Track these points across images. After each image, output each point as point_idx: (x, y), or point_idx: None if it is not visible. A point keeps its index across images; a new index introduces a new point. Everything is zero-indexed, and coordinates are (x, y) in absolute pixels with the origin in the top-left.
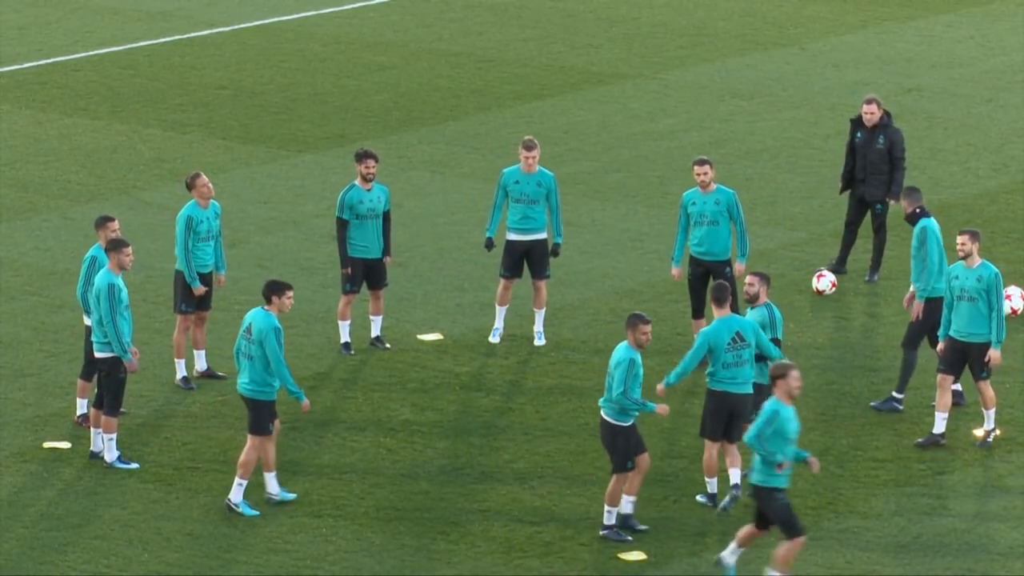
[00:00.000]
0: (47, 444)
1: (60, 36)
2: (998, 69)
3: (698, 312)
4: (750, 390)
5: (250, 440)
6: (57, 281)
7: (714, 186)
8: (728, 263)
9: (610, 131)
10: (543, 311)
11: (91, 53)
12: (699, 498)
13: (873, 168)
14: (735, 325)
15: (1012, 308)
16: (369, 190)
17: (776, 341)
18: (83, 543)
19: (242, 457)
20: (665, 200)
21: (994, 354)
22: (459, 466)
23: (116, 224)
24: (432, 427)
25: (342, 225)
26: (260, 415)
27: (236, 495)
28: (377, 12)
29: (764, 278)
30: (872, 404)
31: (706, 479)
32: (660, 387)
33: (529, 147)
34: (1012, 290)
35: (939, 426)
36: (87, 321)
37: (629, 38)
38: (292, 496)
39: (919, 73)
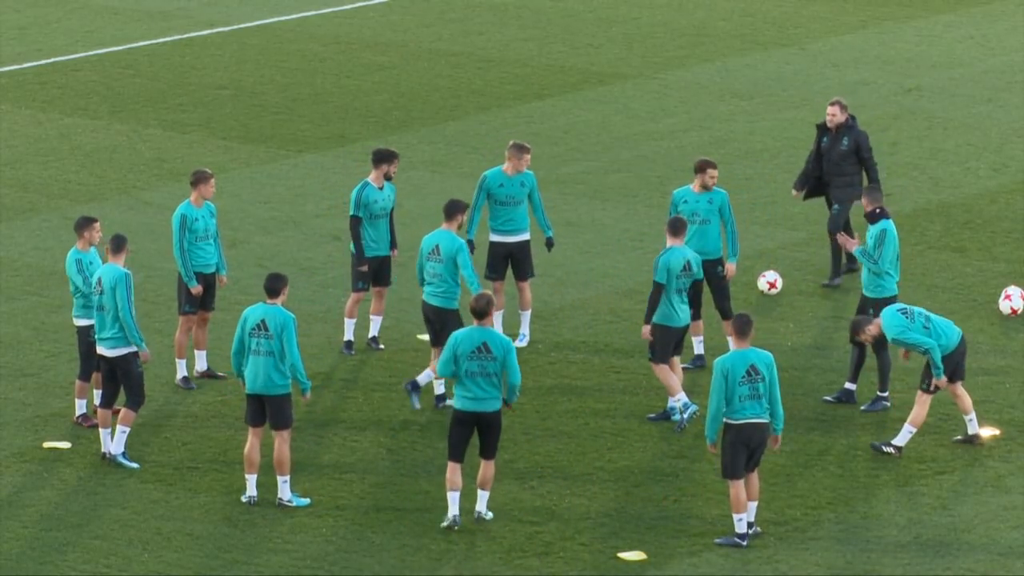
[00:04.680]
0: (47, 444)
1: (60, 36)
2: (998, 69)
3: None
4: (767, 419)
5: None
6: (57, 281)
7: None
8: (719, 261)
9: (610, 131)
10: (528, 312)
11: (91, 53)
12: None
13: (837, 170)
14: (752, 357)
15: (1012, 308)
16: (381, 188)
17: (657, 284)
18: (83, 543)
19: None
20: (665, 200)
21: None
22: None
23: (99, 225)
24: (432, 427)
25: (356, 223)
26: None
27: (284, 492)
28: (377, 12)
29: (668, 223)
30: (862, 408)
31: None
32: (711, 447)
33: (527, 151)
34: (1012, 290)
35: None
36: (78, 323)
37: (629, 38)
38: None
39: (919, 73)
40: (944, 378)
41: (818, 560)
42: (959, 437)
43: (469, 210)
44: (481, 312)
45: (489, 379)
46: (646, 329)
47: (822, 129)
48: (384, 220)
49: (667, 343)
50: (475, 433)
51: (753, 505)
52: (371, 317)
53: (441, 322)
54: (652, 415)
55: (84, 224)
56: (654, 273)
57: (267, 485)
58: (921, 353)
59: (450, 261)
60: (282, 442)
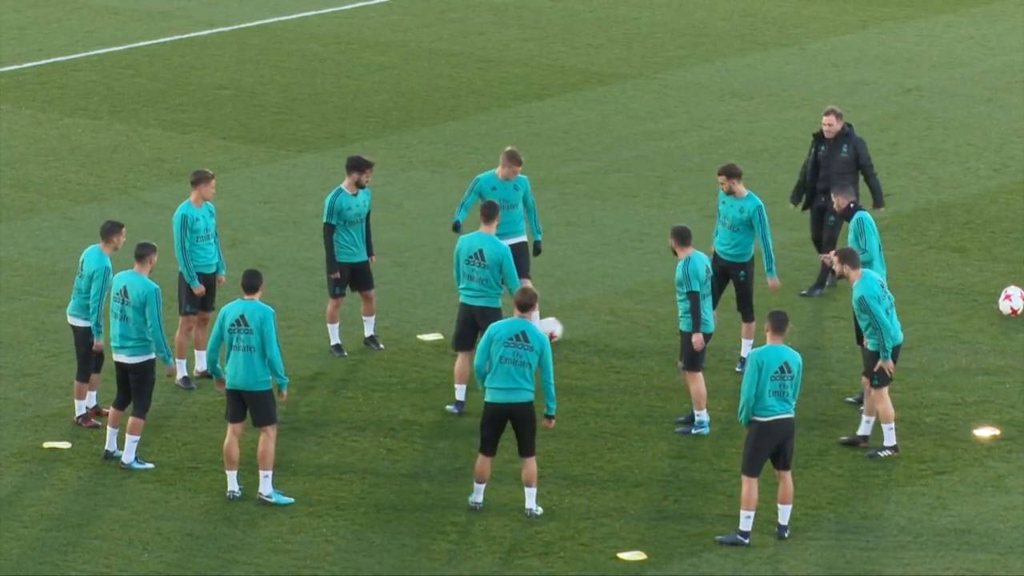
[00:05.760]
0: (47, 444)
1: (60, 36)
2: (998, 69)
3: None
4: (792, 414)
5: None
6: (57, 281)
7: (745, 192)
8: (744, 266)
9: (610, 131)
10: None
11: (91, 53)
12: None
13: (837, 179)
14: (785, 355)
15: (1012, 308)
16: (355, 195)
17: (693, 294)
18: (83, 543)
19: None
20: (665, 200)
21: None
22: (459, 466)
23: (124, 231)
24: (432, 427)
25: (329, 230)
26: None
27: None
28: (377, 12)
29: (674, 232)
30: (861, 409)
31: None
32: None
33: (518, 162)
34: (1012, 290)
35: (863, 428)
36: (76, 322)
37: (629, 38)
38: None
39: (919, 73)
40: (891, 362)
41: (818, 560)
42: (844, 438)
43: (459, 205)
44: (526, 305)
45: (522, 369)
46: (698, 338)
47: (819, 138)
48: (359, 226)
49: (702, 350)
50: (507, 428)
51: (785, 509)
52: (363, 319)
53: (487, 321)
54: (681, 429)
55: (113, 229)
56: (685, 285)
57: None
58: (867, 328)
59: (496, 267)
60: (267, 438)
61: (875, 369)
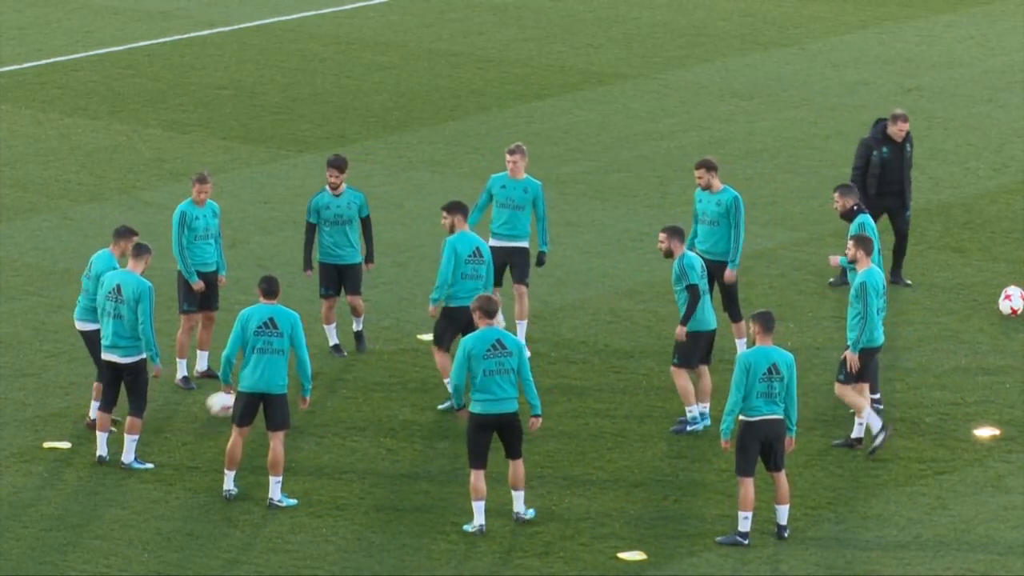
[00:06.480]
0: (47, 444)
1: (60, 36)
2: (998, 69)
3: None
4: (781, 415)
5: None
6: (57, 281)
7: (720, 186)
8: (726, 264)
9: (610, 131)
10: (525, 323)
11: (91, 53)
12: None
13: (908, 177)
14: (774, 356)
15: (1012, 308)
16: (338, 195)
17: (692, 287)
18: (83, 543)
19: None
20: (665, 200)
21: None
22: (459, 466)
23: (136, 239)
24: (432, 427)
25: (307, 228)
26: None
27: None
28: (377, 12)
29: (672, 231)
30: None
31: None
32: (724, 443)
33: (511, 152)
34: (1012, 290)
35: (856, 430)
36: (84, 327)
37: (629, 38)
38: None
39: (919, 73)
40: (856, 355)
41: (818, 560)
42: (838, 442)
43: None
44: (493, 311)
45: (507, 376)
46: (681, 330)
47: (880, 142)
48: (343, 227)
49: (696, 348)
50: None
51: (783, 509)
52: (352, 318)
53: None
54: (676, 427)
55: (126, 234)
56: (684, 279)
57: (262, 485)
58: (854, 318)
59: (490, 264)
60: (278, 443)
61: (840, 358)
